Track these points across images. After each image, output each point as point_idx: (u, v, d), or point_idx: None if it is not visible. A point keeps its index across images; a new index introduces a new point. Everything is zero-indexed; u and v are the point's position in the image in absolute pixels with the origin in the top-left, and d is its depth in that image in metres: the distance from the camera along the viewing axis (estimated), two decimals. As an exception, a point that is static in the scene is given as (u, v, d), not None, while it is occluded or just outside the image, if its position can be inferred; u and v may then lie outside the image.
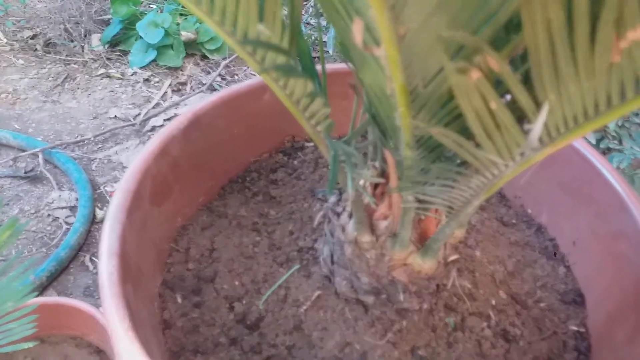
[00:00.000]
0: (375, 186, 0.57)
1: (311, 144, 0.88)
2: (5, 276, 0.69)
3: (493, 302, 0.67)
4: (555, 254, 0.74)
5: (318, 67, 0.49)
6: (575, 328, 0.64)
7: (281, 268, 0.70)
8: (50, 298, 0.87)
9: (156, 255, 0.67)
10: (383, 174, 0.55)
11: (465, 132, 0.38)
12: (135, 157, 0.66)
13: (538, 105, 0.35)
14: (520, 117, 0.37)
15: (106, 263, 0.54)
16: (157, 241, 0.68)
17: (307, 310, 0.65)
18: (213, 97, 0.76)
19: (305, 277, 0.68)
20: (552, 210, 0.76)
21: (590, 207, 0.69)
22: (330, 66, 0.90)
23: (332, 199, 0.64)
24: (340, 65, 0.88)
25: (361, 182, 0.53)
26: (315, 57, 1.73)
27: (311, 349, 0.62)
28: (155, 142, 0.68)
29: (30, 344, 0.72)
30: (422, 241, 0.57)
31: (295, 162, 0.86)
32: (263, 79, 0.43)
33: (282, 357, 0.62)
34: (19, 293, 0.67)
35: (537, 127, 0.35)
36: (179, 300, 0.66)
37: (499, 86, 0.35)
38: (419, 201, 0.49)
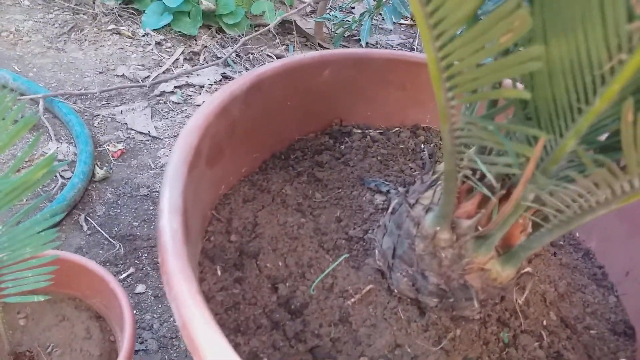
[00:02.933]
0: (462, 182, 0.53)
1: (359, 130, 0.84)
2: (27, 219, 0.61)
3: (544, 322, 0.64)
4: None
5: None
6: (628, 360, 0.62)
7: (327, 255, 0.65)
8: (53, 251, 0.78)
9: (201, 220, 0.61)
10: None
11: None
12: (196, 111, 0.60)
13: None
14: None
15: (168, 220, 0.48)
16: (203, 205, 0.62)
17: (355, 303, 0.61)
18: (276, 63, 0.71)
19: (354, 268, 0.64)
20: (603, 237, 0.74)
21: (651, 238, 0.67)
22: (388, 52, 0.87)
23: (401, 189, 0.60)
24: (398, 53, 0.85)
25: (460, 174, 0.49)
26: None
27: (357, 345, 0.58)
28: (217, 99, 0.62)
29: (41, 298, 0.64)
30: (504, 248, 0.54)
31: (342, 147, 0.81)
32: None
33: (327, 350, 0.57)
34: (40, 239, 0.60)
35: None
36: (219, 272, 0.61)
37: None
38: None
